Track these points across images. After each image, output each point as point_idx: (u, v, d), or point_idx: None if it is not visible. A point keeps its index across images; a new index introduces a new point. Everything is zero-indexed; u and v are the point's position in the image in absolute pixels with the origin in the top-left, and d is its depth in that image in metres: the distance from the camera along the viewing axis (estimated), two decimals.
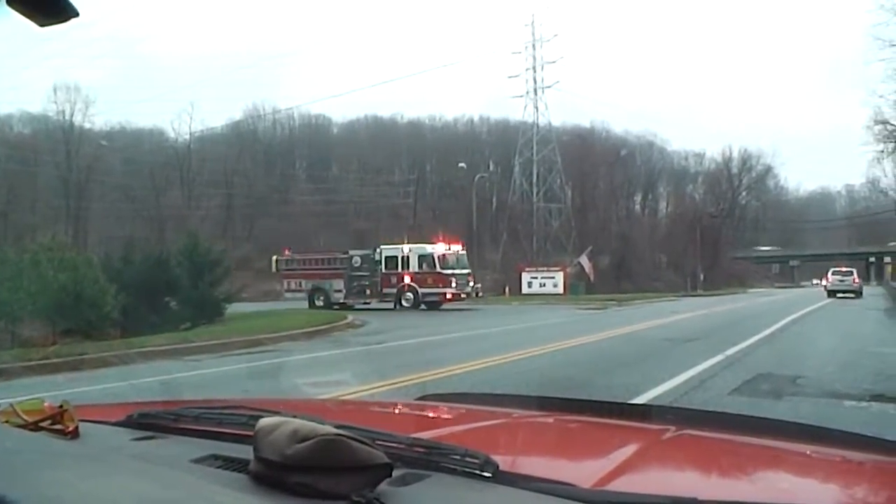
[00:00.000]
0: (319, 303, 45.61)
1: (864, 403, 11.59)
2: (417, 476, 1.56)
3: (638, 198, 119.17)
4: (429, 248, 46.71)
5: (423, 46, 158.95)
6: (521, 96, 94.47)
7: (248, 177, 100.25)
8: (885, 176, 73.98)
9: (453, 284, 45.24)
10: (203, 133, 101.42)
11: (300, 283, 47.98)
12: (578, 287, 66.43)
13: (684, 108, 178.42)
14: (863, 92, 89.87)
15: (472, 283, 48.22)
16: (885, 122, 44.33)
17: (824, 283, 66.31)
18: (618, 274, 78.85)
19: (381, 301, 45.47)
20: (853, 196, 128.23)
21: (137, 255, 29.67)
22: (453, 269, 46.06)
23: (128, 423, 2.10)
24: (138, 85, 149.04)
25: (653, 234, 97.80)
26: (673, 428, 2.43)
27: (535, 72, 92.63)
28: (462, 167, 77.51)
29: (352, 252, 48.58)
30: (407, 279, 45.46)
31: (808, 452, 2.33)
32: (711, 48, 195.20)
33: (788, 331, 25.90)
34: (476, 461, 1.60)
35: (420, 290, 45.06)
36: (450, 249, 47.01)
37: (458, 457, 1.63)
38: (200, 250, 30.17)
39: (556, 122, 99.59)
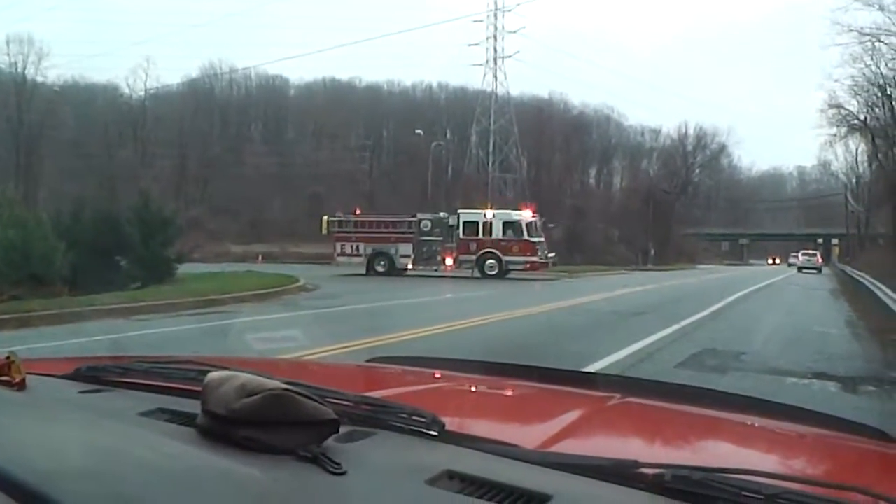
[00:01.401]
0: (381, 268, 44.11)
1: (805, 381, 11.80)
2: (364, 433, 1.58)
3: (593, 171, 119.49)
4: (514, 215, 45.20)
5: (384, 10, 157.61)
6: (481, 65, 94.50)
7: (203, 137, 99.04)
8: (837, 159, 75.31)
9: (539, 253, 44.17)
10: (158, 91, 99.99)
11: (357, 247, 45.00)
12: None
13: (642, 83, 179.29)
14: (819, 75, 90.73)
15: (548, 252, 46.32)
16: (839, 107, 44.89)
17: (793, 260, 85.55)
18: (570, 246, 79.03)
19: (457, 268, 43.96)
20: (804, 178, 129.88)
21: (88, 213, 29.24)
22: (538, 237, 44.88)
23: (75, 377, 2.08)
24: (93, 39, 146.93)
25: (606, 208, 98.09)
26: (618, 395, 2.46)
27: (495, 41, 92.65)
28: (419, 134, 77.26)
29: (420, 215, 46.19)
30: (489, 246, 43.82)
31: (748, 423, 2.37)
32: (671, 25, 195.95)
33: (735, 308, 26.21)
34: (423, 420, 1.62)
35: (504, 258, 43.59)
36: (534, 217, 45.54)
37: (405, 415, 1.65)
38: (152, 209, 29.82)
39: (515, 92, 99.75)
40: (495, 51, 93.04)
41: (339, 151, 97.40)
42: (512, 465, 1.48)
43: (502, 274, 42.79)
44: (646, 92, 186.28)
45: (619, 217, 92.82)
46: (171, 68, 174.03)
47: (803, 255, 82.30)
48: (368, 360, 3.29)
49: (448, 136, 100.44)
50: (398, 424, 1.63)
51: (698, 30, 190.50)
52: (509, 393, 2.67)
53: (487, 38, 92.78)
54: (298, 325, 16.66)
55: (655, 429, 2.32)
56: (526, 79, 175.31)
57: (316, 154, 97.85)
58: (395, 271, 43.53)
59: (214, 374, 1.53)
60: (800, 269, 75.64)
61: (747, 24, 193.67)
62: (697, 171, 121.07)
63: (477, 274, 42.95)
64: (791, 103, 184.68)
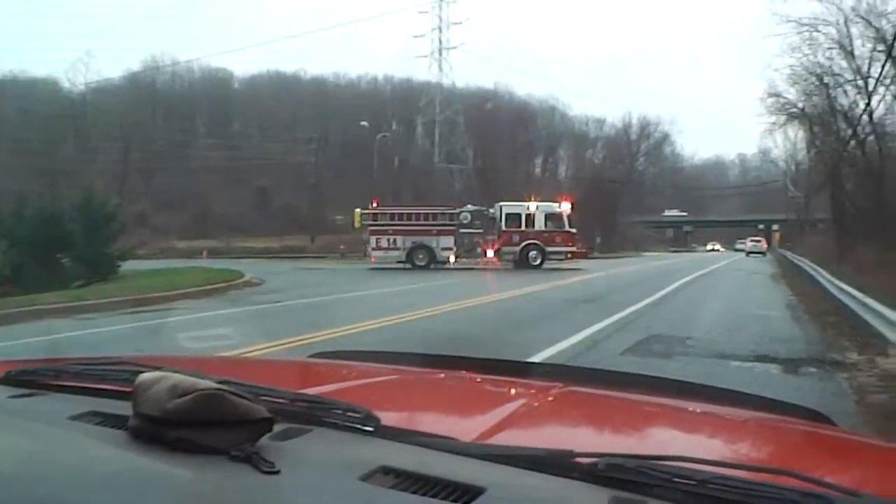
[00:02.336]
0: (421, 262, 43.24)
1: (748, 364, 11.98)
2: (299, 430, 1.57)
3: (539, 161, 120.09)
4: (556, 207, 45.56)
5: (328, 2, 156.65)
6: (426, 56, 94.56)
7: (147, 130, 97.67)
8: (777, 147, 76.33)
9: (579, 243, 45.93)
10: (100, 84, 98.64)
11: (394, 240, 43.47)
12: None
13: (586, 73, 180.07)
14: (759, 65, 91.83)
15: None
16: (778, 95, 45.37)
17: (742, 246, 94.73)
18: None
19: (500, 259, 44.22)
20: (746, 165, 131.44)
21: (29, 210, 28.80)
22: (575, 227, 45.82)
23: (6, 381, 2.05)
24: (33, 32, 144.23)
25: (552, 198, 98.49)
26: (559, 385, 2.47)
27: (440, 32, 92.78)
28: (364, 126, 76.97)
29: (461, 208, 45.96)
30: (532, 237, 44.34)
31: (691, 409, 2.40)
32: (615, 15, 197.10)
33: (680, 294, 26.49)
34: (357, 415, 1.62)
35: (547, 249, 44.26)
36: (572, 208, 46.16)
37: (339, 411, 1.65)
38: (95, 205, 29.47)
39: (460, 83, 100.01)
40: (440, 42, 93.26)
41: (285, 144, 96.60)
42: (448, 459, 1.49)
43: (541, 265, 43.50)
44: (590, 82, 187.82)
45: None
46: (113, 61, 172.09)
47: (751, 240, 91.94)
48: (310, 356, 3.28)
49: (394, 127, 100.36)
50: (333, 421, 1.63)
51: (642, 21, 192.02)
52: (448, 385, 2.67)
53: (432, 30, 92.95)
54: (242, 322, 16.51)
55: (595, 417, 2.34)
56: (471, 70, 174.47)
57: (262, 147, 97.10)
58: (435, 264, 43.13)
59: (146, 375, 1.51)
60: (748, 253, 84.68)
61: (690, 16, 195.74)
62: (642, 159, 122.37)
63: (525, 264, 43.55)
64: (732, 92, 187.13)
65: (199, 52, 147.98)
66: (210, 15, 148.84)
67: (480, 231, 44.55)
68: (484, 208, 46.13)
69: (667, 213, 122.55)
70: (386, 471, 1.40)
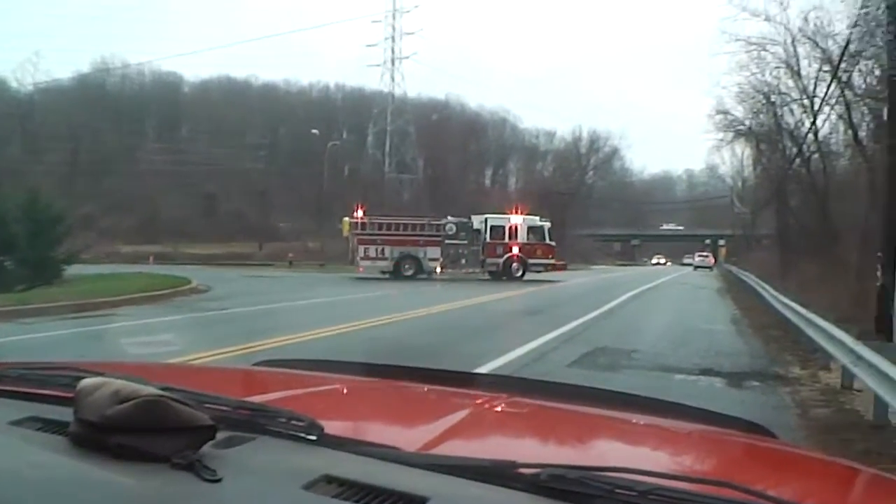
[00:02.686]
0: (408, 272, 43.52)
1: (693, 377, 12.12)
2: (242, 438, 1.56)
3: (489, 172, 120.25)
4: (537, 220, 47.16)
5: (281, 8, 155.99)
6: (378, 65, 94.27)
7: (95, 133, 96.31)
8: (724, 163, 77.19)
9: (556, 255, 47.39)
10: (48, 85, 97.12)
11: (382, 250, 43.72)
12: None
13: (538, 86, 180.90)
14: (708, 83, 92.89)
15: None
16: (725, 112, 45.90)
17: (690, 260, 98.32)
18: None
19: (482, 271, 45.37)
20: (693, 180, 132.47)
21: None
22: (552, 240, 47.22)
23: None
24: None
25: (502, 209, 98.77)
26: (505, 396, 2.48)
27: (393, 42, 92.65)
28: (315, 133, 76.67)
29: (446, 219, 46.32)
30: (516, 249, 45.53)
31: (634, 421, 2.42)
32: (567, 30, 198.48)
33: (627, 307, 26.69)
34: (301, 424, 1.61)
35: (528, 261, 45.54)
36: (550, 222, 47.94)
37: (283, 419, 1.64)
38: (40, 207, 29.02)
39: (412, 93, 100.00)
40: (393, 52, 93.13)
41: (234, 150, 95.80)
42: (391, 468, 1.49)
43: (522, 276, 44.78)
44: (541, 95, 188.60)
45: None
46: (63, 62, 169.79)
47: (698, 255, 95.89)
48: (256, 364, 3.25)
49: (345, 136, 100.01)
50: (277, 429, 1.62)
51: (593, 36, 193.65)
52: (394, 395, 2.67)
53: (385, 39, 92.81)
54: (188, 329, 16.36)
55: (539, 428, 2.35)
56: (423, 80, 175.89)
57: (211, 152, 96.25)
58: (422, 275, 43.56)
59: (87, 381, 1.49)
60: (696, 267, 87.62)
61: (641, 32, 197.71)
62: (591, 173, 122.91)
63: (509, 275, 44.57)
64: (681, 109, 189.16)
65: (149, 55, 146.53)
66: (162, 18, 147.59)
67: (465, 242, 45.36)
68: (468, 220, 46.63)
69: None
70: (329, 480, 1.40)
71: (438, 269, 44.24)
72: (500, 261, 45.24)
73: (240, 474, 1.38)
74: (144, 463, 1.37)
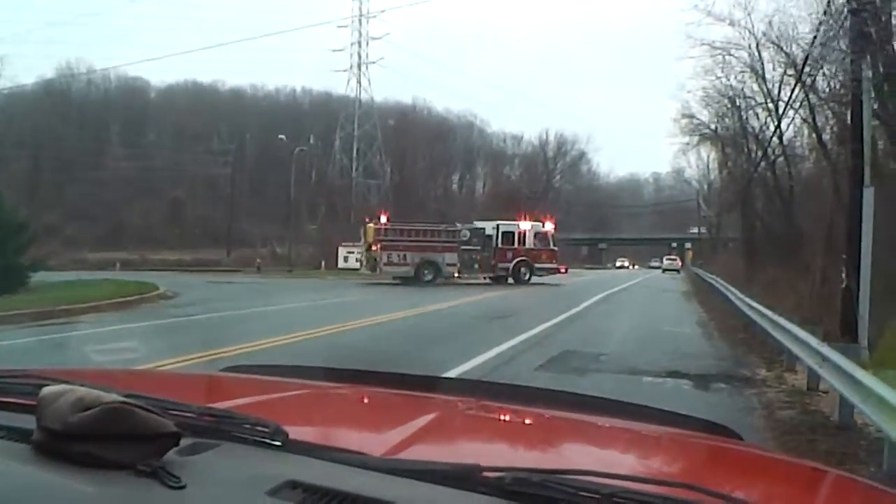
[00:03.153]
0: (428, 277, 44.31)
1: (660, 379, 12.19)
2: (207, 445, 1.56)
3: (456, 177, 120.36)
4: (544, 226, 49.42)
5: (247, 13, 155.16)
6: (345, 70, 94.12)
7: (60, 139, 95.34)
8: (690, 166, 77.36)
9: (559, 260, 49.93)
10: (12, 90, 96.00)
11: (404, 255, 44.44)
12: None
13: (505, 91, 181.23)
14: (673, 87, 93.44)
15: None
16: (691, 116, 46.28)
17: (658, 263, 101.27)
18: None
19: (494, 275, 46.68)
20: (660, 184, 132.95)
21: None
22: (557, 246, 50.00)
23: None
24: None
25: (469, 214, 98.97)
26: (472, 400, 2.48)
27: (359, 47, 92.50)
28: (282, 139, 76.41)
29: (460, 225, 48.28)
30: (523, 255, 47.32)
31: (600, 424, 2.43)
32: (533, 33, 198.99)
33: (595, 310, 26.79)
34: (266, 430, 1.60)
35: (535, 265, 47.51)
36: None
37: (248, 426, 1.64)
38: (4, 214, 28.71)
39: (379, 98, 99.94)
40: (359, 56, 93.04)
41: (200, 155, 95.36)
42: (356, 473, 1.48)
43: (528, 280, 46.72)
44: (508, 99, 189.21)
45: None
46: (27, 67, 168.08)
47: (667, 259, 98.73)
48: (222, 370, 3.24)
49: (312, 141, 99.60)
50: (241, 435, 1.61)
51: (560, 40, 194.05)
52: (360, 400, 2.67)
53: (352, 44, 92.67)
54: (154, 335, 16.27)
55: (505, 432, 2.35)
56: (390, 85, 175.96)
57: (177, 158, 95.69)
58: (440, 279, 44.56)
59: (50, 388, 1.48)
60: (664, 270, 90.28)
61: (608, 37, 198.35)
62: (558, 177, 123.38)
63: (519, 280, 46.68)
64: (648, 113, 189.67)
65: (115, 60, 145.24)
66: (128, 23, 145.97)
67: (478, 248, 46.75)
68: (480, 226, 48.43)
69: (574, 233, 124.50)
70: (294, 485, 1.39)
71: (456, 274, 45.43)
72: (510, 265, 46.94)
73: (204, 481, 1.38)
74: (108, 471, 1.36)
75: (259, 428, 1.62)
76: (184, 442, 1.48)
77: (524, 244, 47.58)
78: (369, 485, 1.42)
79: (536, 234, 48.09)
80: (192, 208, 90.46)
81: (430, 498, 1.40)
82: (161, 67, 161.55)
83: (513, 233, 47.72)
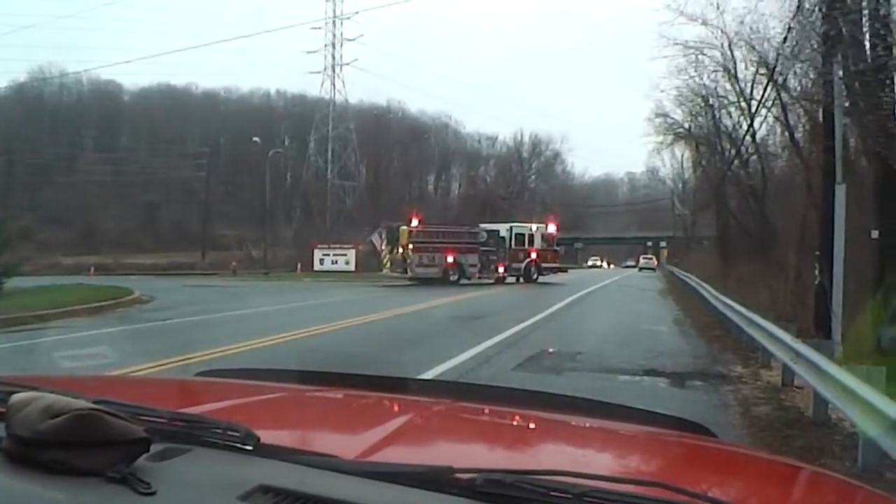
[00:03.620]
0: (454, 277, 45.84)
1: (637, 378, 12.23)
2: (177, 450, 1.55)
3: (431, 178, 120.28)
4: (549, 228, 52.45)
5: (220, 15, 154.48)
6: (319, 72, 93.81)
7: (32, 143, 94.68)
8: (664, 166, 77.75)
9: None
10: None
11: (433, 257, 45.95)
12: (371, 264, 66.90)
13: (480, 92, 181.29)
14: (647, 86, 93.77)
15: None
16: (665, 116, 46.49)
17: (634, 263, 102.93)
18: None
19: (509, 275, 48.59)
20: (635, 183, 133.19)
21: None
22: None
23: None
24: None
25: (445, 214, 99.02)
26: (446, 401, 2.48)
27: (333, 48, 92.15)
28: (256, 141, 76.11)
29: (481, 227, 50.08)
30: (534, 255, 49.92)
31: (575, 424, 2.43)
32: (509, 36, 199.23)
33: (571, 309, 26.84)
34: (237, 434, 1.60)
35: (542, 265, 50.42)
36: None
37: (219, 430, 1.63)
38: None
39: (353, 100, 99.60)
40: (333, 58, 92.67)
41: (174, 159, 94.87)
42: (328, 477, 1.48)
43: (537, 279, 49.29)
44: (483, 100, 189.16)
45: (458, 223, 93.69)
46: None
47: (643, 258, 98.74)
48: (197, 374, 3.23)
49: (286, 143, 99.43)
50: (212, 440, 1.61)
51: (535, 41, 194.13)
52: (333, 403, 2.66)
53: (326, 46, 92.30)
54: (130, 340, 16.11)
55: (479, 433, 2.35)
56: (365, 87, 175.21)
57: (151, 161, 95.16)
58: (464, 279, 46.39)
59: (19, 396, 1.48)
60: (640, 268, 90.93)
61: (582, 37, 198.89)
62: (533, 177, 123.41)
63: (529, 278, 49.04)
64: (622, 112, 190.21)
65: (88, 63, 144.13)
66: (100, 26, 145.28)
67: (494, 249, 48.52)
68: (495, 228, 50.19)
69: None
70: (265, 490, 1.39)
71: (477, 275, 47.11)
72: (522, 265, 49.29)
73: (174, 486, 1.37)
74: (78, 478, 1.36)
75: (230, 432, 1.61)
76: (154, 448, 1.48)
77: (533, 245, 50.06)
78: (341, 488, 1.42)
79: (543, 236, 50.89)
80: (166, 212, 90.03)
81: (402, 500, 1.41)
82: (134, 70, 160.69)
83: (524, 235, 50.05)
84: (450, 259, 46.21)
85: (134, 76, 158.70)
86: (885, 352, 13.07)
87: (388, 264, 48.15)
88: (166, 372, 10.62)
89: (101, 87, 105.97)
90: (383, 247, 48.89)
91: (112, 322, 20.36)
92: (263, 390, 2.63)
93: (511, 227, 50.31)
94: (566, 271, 54.59)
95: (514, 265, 49.06)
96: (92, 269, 58.71)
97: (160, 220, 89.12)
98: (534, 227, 51.53)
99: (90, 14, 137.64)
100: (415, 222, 46.84)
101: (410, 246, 45.78)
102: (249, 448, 1.57)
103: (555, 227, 53.21)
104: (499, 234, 49.18)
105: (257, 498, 1.37)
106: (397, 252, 46.57)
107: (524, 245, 49.73)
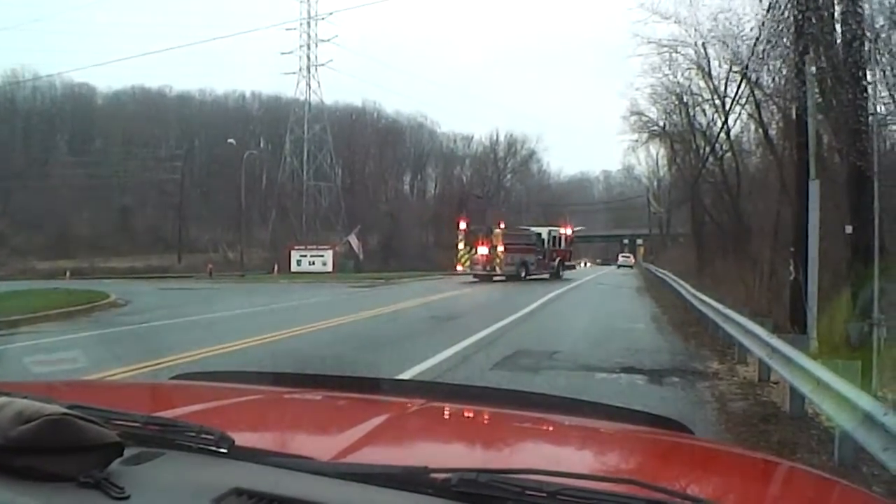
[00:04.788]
0: (522, 275, 49.64)
1: (614, 375, 12.27)
2: (151, 454, 1.54)
3: (407, 178, 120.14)
4: (568, 231, 59.51)
5: (194, 17, 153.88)
6: (294, 73, 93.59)
7: (5, 147, 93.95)
8: (639, 163, 77.90)
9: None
10: None
11: (512, 257, 49.79)
12: (347, 265, 66.96)
13: (455, 92, 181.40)
14: (621, 84, 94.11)
15: None
16: (640, 114, 46.80)
17: (612, 260, 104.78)
18: (386, 253, 79.56)
19: (545, 273, 53.05)
20: (610, 181, 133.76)
21: None
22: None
23: None
24: None
25: (421, 214, 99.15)
26: (422, 401, 2.48)
27: (308, 49, 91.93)
28: (231, 143, 75.85)
29: (533, 230, 55.15)
30: (560, 255, 56.45)
31: (551, 422, 2.43)
32: (482, 34, 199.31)
33: (548, 308, 26.87)
34: (211, 437, 1.59)
35: (565, 263, 57.62)
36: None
37: (192, 433, 1.62)
38: None
39: (329, 101, 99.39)
40: (308, 59, 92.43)
41: (149, 162, 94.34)
42: (303, 479, 1.48)
43: (561, 276, 54.55)
44: (458, 101, 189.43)
45: (434, 223, 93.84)
46: None
47: (621, 256, 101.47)
48: (172, 377, 3.21)
49: (262, 145, 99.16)
50: (186, 443, 1.60)
51: (510, 41, 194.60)
52: (308, 405, 2.65)
53: (300, 47, 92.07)
54: (106, 344, 16.01)
55: (455, 433, 2.35)
56: (340, 87, 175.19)
57: (125, 164, 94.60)
58: (528, 277, 50.28)
59: None
60: (619, 266, 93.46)
61: (557, 36, 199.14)
62: (509, 176, 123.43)
63: (558, 276, 54.15)
64: (597, 111, 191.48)
65: (61, 66, 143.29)
66: (72, 29, 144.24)
67: (541, 249, 53.64)
68: (538, 231, 54.96)
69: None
70: (239, 493, 1.38)
71: (535, 274, 51.54)
72: (555, 264, 55.03)
73: (148, 491, 1.37)
74: (51, 483, 1.35)
75: (204, 436, 1.60)
76: (128, 452, 1.47)
77: (560, 246, 56.48)
78: (316, 489, 1.41)
79: (566, 238, 57.94)
80: (141, 215, 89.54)
81: (377, 501, 1.40)
82: (108, 73, 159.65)
83: (556, 237, 56.04)
84: (525, 258, 50.94)
85: (107, 79, 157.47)
86: (856, 346, 13.18)
87: (467, 264, 51.05)
88: (141, 376, 10.55)
89: (74, 90, 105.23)
90: (461, 247, 51.43)
91: (87, 326, 20.21)
92: (238, 393, 2.62)
93: (549, 231, 55.29)
94: (574, 268, 61.50)
95: (551, 263, 54.43)
96: (67, 273, 58.31)
97: (135, 223, 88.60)
98: (561, 230, 57.53)
99: (63, 17, 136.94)
100: (502, 226, 50.92)
101: (502, 248, 49.33)
102: (224, 451, 1.57)
103: (570, 230, 60.02)
104: (541, 236, 54.03)
105: (231, 501, 1.36)
106: (475, 252, 50.09)
107: (556, 246, 55.50)
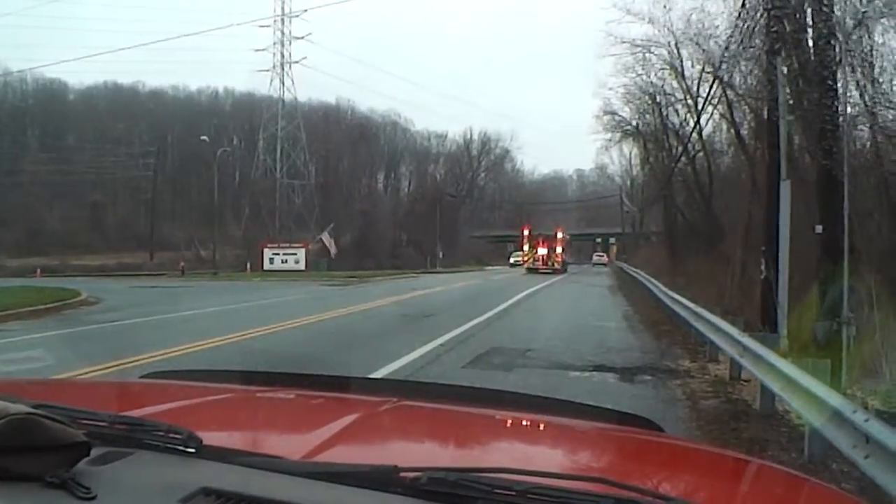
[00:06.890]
0: (566, 271, 64.71)
1: (587, 373, 12.32)
2: (119, 454, 1.53)
3: (381, 176, 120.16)
4: (567, 235, 72.81)
5: (167, 13, 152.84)
6: (268, 70, 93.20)
7: None
8: (613, 163, 78.34)
9: None
10: None
11: (563, 256, 67.20)
12: (320, 263, 66.86)
13: (429, 90, 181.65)
14: (595, 84, 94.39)
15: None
16: (613, 113, 46.97)
17: (591, 260, 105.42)
18: (359, 251, 79.35)
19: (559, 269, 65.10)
20: (584, 180, 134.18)
21: None
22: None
23: None
24: None
25: (395, 213, 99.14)
26: (393, 400, 2.47)
27: (282, 46, 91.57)
28: (204, 140, 75.47)
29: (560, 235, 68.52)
30: (567, 253, 71.50)
31: (523, 421, 2.44)
32: (456, 32, 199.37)
33: (521, 306, 26.93)
34: (179, 437, 1.58)
35: (568, 261, 70.51)
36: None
37: (161, 433, 1.61)
38: None
39: (302, 98, 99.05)
40: (282, 56, 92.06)
41: (121, 158, 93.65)
42: (272, 478, 1.47)
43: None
44: (432, 99, 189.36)
45: (408, 221, 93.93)
46: None
47: (596, 255, 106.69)
48: (142, 376, 3.19)
49: (235, 142, 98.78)
50: (154, 443, 1.59)
51: (485, 39, 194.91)
52: (278, 404, 2.64)
53: (274, 44, 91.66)
54: (76, 342, 15.87)
55: (426, 432, 2.35)
56: (314, 85, 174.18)
57: (97, 161, 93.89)
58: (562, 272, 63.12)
59: None
60: (594, 264, 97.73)
61: (531, 36, 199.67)
62: (482, 174, 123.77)
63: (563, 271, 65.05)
64: (570, 110, 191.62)
65: (32, 62, 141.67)
66: (44, 24, 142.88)
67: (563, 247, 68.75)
68: (553, 234, 68.16)
69: (500, 230, 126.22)
70: (207, 492, 1.38)
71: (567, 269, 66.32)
72: (561, 261, 66.27)
73: (115, 491, 1.36)
74: (16, 483, 1.33)
75: (172, 435, 1.59)
76: (95, 452, 1.46)
77: (562, 246, 67.81)
78: (285, 489, 1.41)
79: (565, 239, 69.67)
80: (113, 212, 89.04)
81: (347, 500, 1.40)
82: (80, 69, 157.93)
83: (565, 238, 68.44)
84: (563, 258, 66.65)
85: (79, 74, 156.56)
86: (823, 345, 13.30)
87: (531, 262, 65.52)
88: (110, 375, 10.48)
89: (45, 85, 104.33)
90: (525, 248, 67.64)
91: (57, 325, 20.05)
92: (208, 392, 2.60)
93: (567, 233, 69.97)
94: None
95: (559, 261, 65.82)
96: (38, 270, 57.79)
97: (107, 220, 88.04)
98: (566, 234, 70.37)
99: (34, 12, 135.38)
100: (560, 235, 67.33)
101: (561, 249, 66.96)
102: (192, 450, 1.56)
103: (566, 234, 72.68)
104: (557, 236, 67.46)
105: (199, 500, 1.36)
106: (535, 252, 66.05)
107: (562, 246, 67.74)
